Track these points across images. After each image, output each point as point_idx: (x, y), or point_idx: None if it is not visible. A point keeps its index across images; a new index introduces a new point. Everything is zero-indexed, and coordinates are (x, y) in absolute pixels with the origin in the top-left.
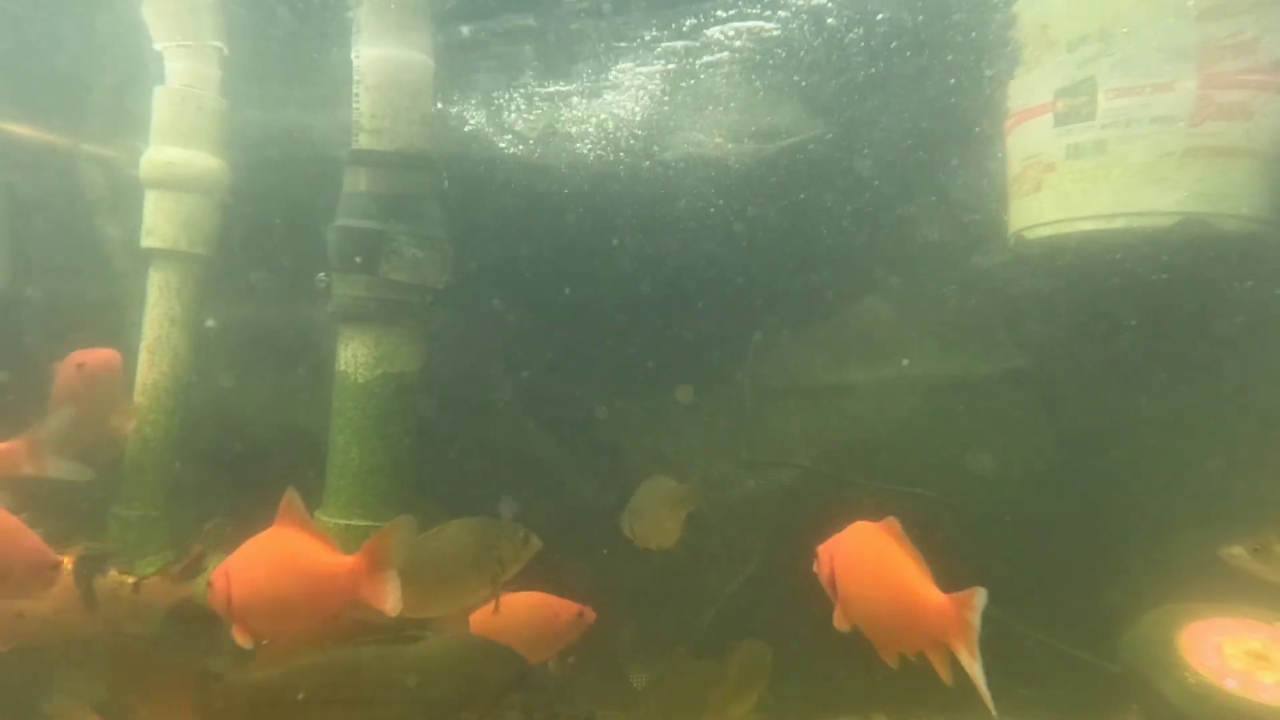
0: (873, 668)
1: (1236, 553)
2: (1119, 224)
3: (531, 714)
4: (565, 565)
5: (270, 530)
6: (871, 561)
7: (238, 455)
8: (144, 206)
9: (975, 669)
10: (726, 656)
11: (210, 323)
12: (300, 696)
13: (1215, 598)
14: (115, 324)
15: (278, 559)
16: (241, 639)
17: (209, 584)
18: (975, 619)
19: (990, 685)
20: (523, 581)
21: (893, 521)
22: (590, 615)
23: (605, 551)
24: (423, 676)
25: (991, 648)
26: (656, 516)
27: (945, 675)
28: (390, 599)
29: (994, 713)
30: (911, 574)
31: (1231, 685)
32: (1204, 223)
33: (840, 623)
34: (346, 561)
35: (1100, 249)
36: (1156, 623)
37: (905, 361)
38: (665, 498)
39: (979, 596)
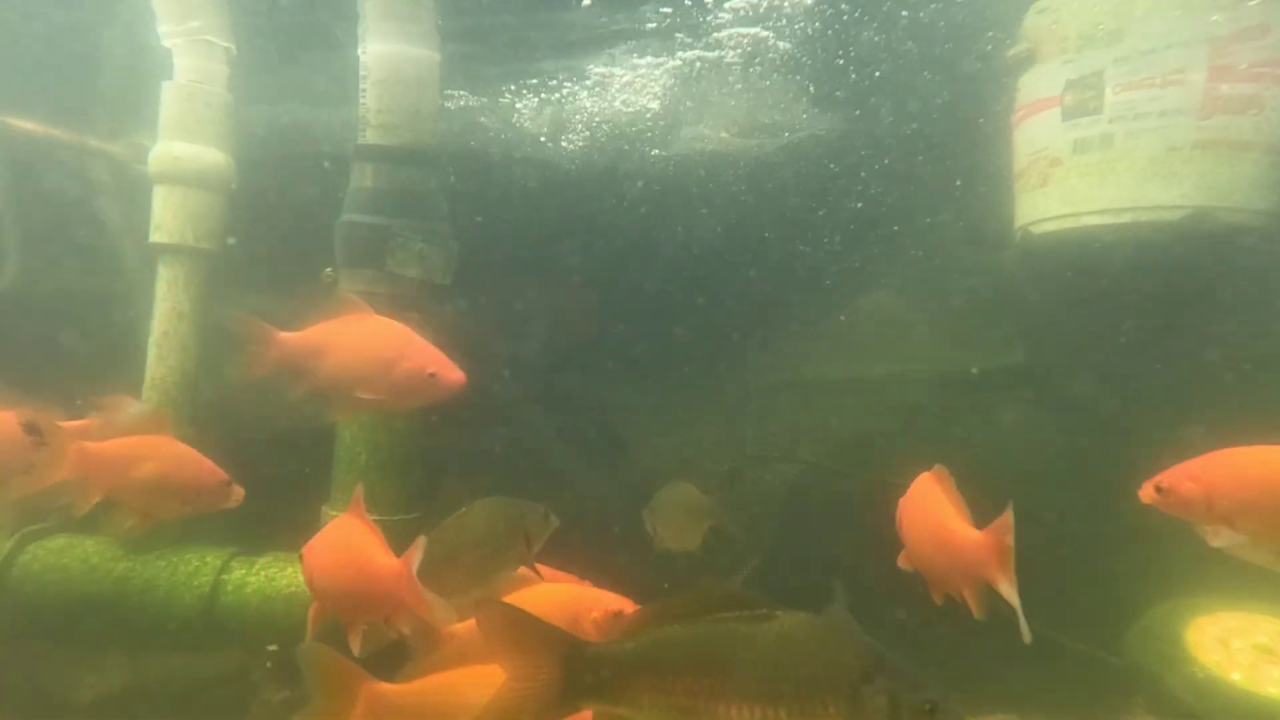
0: None
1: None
2: (1126, 219)
3: (899, 702)
4: (570, 559)
5: (345, 518)
6: (921, 506)
7: (246, 450)
8: (152, 201)
9: (1013, 594)
10: None
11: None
12: (663, 668)
13: (1222, 593)
14: (123, 318)
15: (345, 548)
16: (314, 620)
17: (301, 558)
18: (1009, 539)
19: (995, 682)
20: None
21: (940, 468)
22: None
23: (612, 546)
24: (786, 655)
25: (997, 643)
26: (678, 524)
27: (976, 610)
28: (437, 611)
29: (1027, 639)
30: (948, 514)
31: (1238, 678)
32: (1212, 217)
33: (904, 563)
34: (395, 565)
35: (1107, 244)
36: (1164, 617)
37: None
38: (688, 507)
39: (1007, 518)
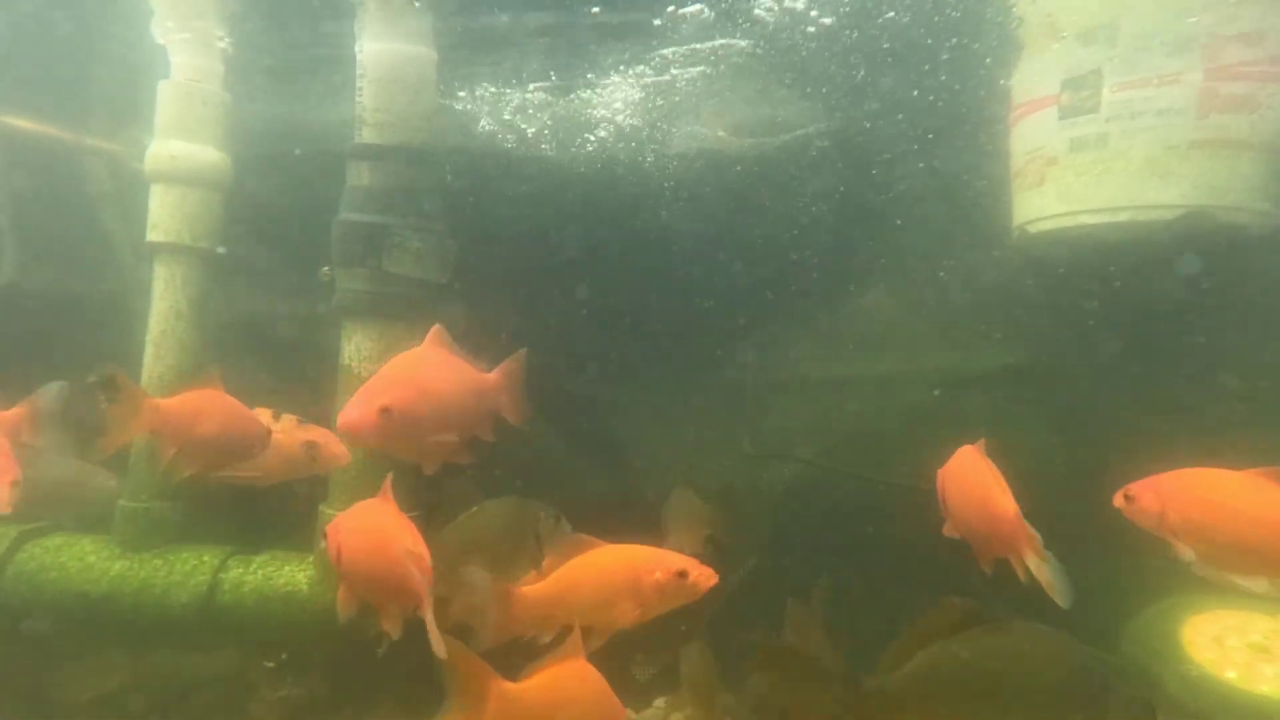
0: (878, 659)
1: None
2: (1123, 218)
3: (1132, 711)
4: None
5: (375, 501)
6: (965, 477)
7: None
8: (149, 201)
9: (1043, 570)
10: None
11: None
12: (943, 696)
13: (1217, 591)
14: (121, 318)
15: (375, 531)
16: (344, 603)
17: (323, 535)
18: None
19: None
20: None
21: (981, 442)
22: (703, 579)
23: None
24: (1037, 670)
25: None
26: (680, 530)
27: (1021, 575)
28: (433, 638)
29: (1064, 605)
30: (991, 484)
31: (1232, 677)
32: (1208, 216)
33: (949, 531)
34: (423, 559)
35: (1104, 243)
36: (1159, 615)
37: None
38: (691, 515)
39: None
